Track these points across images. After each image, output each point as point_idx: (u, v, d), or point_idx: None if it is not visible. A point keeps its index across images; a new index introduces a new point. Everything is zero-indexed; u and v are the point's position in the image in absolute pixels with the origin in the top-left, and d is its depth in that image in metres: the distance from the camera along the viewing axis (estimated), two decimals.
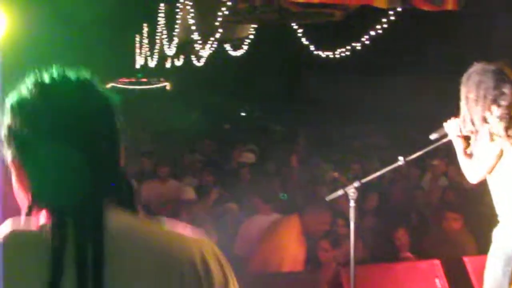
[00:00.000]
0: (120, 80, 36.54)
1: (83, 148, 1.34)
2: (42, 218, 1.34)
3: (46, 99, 1.37)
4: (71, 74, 1.42)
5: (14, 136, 1.37)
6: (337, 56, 14.71)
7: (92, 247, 1.29)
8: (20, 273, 1.28)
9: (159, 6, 21.44)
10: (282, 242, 5.37)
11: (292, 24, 13.91)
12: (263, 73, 22.37)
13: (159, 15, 21.69)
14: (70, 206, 1.32)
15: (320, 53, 15.57)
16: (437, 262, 4.84)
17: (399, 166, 3.98)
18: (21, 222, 1.35)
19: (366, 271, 4.63)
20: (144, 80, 37.32)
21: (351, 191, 3.78)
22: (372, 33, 12.42)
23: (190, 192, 7.96)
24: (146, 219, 1.41)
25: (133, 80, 37.58)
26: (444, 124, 3.91)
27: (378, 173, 3.94)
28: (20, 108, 1.38)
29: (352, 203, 3.78)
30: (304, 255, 5.22)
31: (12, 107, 1.39)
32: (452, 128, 3.87)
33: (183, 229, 1.42)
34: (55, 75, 1.41)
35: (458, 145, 3.87)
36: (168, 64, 27.39)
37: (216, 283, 1.36)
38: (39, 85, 1.37)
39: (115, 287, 1.29)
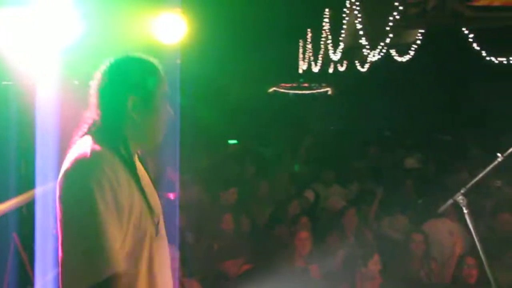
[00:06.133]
0: (282, 84, 37.05)
1: None
2: None
3: None
4: None
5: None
6: None
7: None
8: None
9: (324, 11, 21.42)
10: None
11: (463, 28, 13.28)
12: (428, 79, 21.59)
13: (324, 20, 21.66)
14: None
15: (493, 59, 14.78)
16: None
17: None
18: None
19: None
20: (306, 85, 37.52)
21: (460, 198, 3.71)
22: None
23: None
24: None
25: (295, 85, 37.92)
26: None
27: (481, 174, 3.76)
28: None
29: (465, 210, 3.70)
30: None
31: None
32: None
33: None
34: None
35: None
36: (331, 70, 27.31)
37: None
38: None
39: None
